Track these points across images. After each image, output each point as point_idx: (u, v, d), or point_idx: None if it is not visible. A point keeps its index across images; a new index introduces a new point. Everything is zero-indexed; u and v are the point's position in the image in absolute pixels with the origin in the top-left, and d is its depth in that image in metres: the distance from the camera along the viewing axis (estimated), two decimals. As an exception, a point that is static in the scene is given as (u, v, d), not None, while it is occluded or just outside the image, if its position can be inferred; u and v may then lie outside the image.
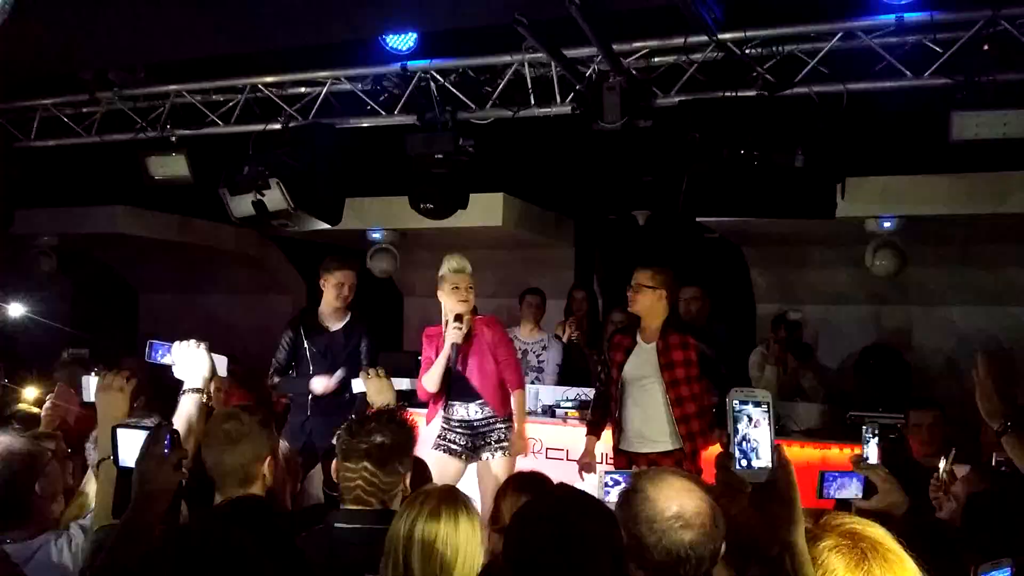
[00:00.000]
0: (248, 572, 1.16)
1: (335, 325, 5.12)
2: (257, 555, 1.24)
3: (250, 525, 2.06)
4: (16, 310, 5.29)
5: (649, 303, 4.60)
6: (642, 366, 4.61)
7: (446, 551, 2.11)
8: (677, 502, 1.79)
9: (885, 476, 2.62)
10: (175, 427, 1.94)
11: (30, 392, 4.42)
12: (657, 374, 4.54)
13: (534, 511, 1.62)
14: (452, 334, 4.50)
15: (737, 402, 1.35)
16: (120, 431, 1.96)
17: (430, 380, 4.63)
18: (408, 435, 2.64)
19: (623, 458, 4.65)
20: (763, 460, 1.32)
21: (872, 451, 2.85)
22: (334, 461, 2.62)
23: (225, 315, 9.09)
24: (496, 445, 4.62)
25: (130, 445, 1.92)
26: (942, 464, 3.23)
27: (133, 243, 8.62)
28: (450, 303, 4.55)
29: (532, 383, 6.51)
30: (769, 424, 1.34)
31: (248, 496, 2.46)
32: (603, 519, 1.63)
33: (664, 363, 4.53)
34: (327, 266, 5.09)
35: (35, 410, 4.03)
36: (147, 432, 1.87)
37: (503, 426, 4.66)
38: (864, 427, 3.02)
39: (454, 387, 4.66)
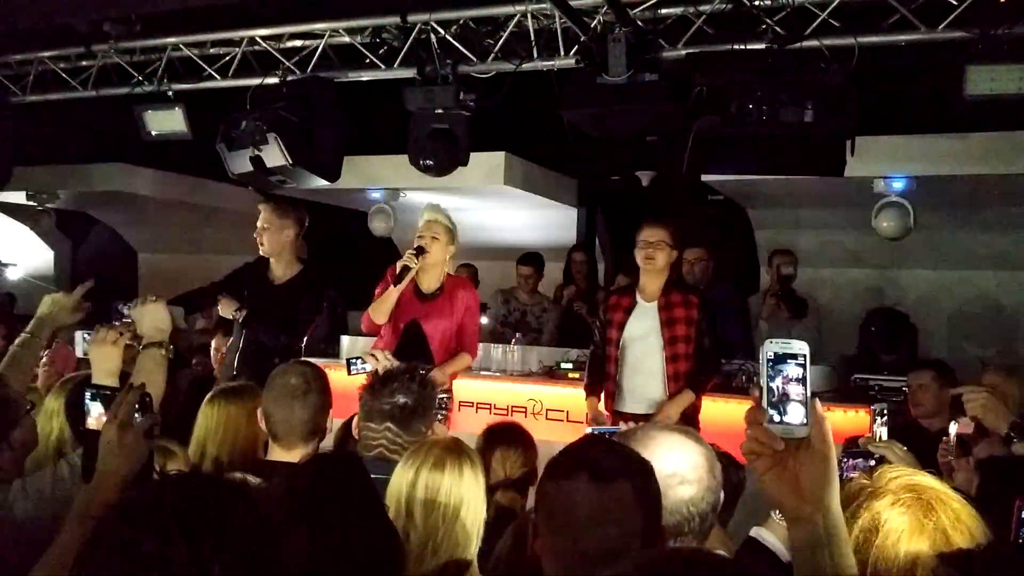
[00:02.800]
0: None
1: (280, 277, 4.71)
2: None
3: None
4: (15, 271, 5.21)
5: (666, 261, 4.48)
6: (642, 324, 4.52)
7: (449, 503, 2.08)
8: (672, 460, 1.73)
9: (903, 454, 2.55)
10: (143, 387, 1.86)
11: None
12: (658, 332, 4.45)
13: (570, 463, 1.53)
14: (406, 258, 4.30)
15: (772, 354, 1.25)
16: (87, 392, 1.88)
17: (379, 310, 4.40)
18: (431, 395, 2.64)
19: (616, 419, 4.59)
20: (798, 416, 1.22)
21: (882, 433, 2.80)
22: (355, 419, 2.59)
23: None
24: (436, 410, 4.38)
25: (96, 408, 1.85)
26: (953, 428, 3.15)
27: (132, 202, 8.55)
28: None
29: (530, 344, 6.50)
30: (805, 377, 1.24)
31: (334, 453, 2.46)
32: (638, 469, 1.55)
33: (665, 319, 4.44)
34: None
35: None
36: (108, 398, 1.80)
37: (445, 395, 4.30)
38: (873, 408, 2.97)
39: (407, 348, 4.36)
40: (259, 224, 4.66)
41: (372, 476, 2.38)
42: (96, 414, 1.84)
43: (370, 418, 2.51)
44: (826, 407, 4.48)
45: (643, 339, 4.52)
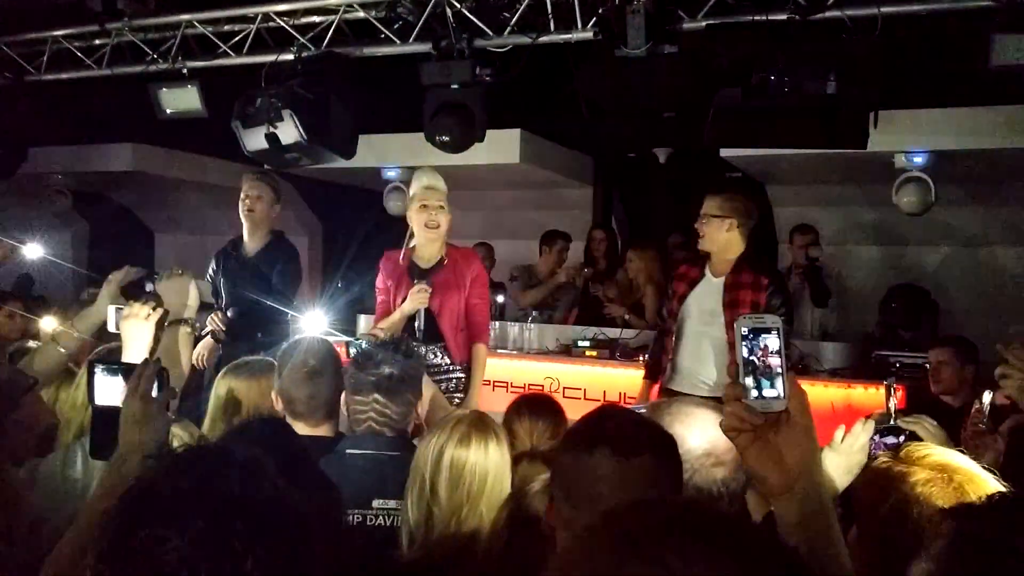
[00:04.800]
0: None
1: (253, 249, 4.70)
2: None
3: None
4: (34, 251, 5.20)
5: (717, 235, 4.17)
6: (706, 300, 4.22)
7: (474, 479, 2.06)
8: (707, 439, 1.69)
9: (934, 429, 2.49)
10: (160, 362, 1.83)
11: (48, 322, 4.18)
12: (720, 311, 4.14)
13: (591, 436, 1.50)
14: (417, 298, 3.93)
15: (745, 329, 1.25)
16: (98, 368, 1.83)
17: (385, 324, 4.03)
18: (418, 364, 2.60)
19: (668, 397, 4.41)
20: (776, 389, 1.22)
21: (893, 404, 2.76)
22: (343, 394, 2.58)
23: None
24: (450, 395, 4.00)
25: (107, 383, 1.81)
26: (987, 397, 3.09)
27: (148, 182, 8.56)
28: (418, 222, 4.04)
29: (547, 322, 6.49)
30: (780, 350, 1.24)
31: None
32: (660, 443, 1.52)
33: (728, 300, 4.10)
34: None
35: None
36: (128, 369, 1.76)
37: (458, 376, 4.10)
38: (885, 383, 2.92)
39: (425, 330, 4.05)
40: (253, 192, 4.67)
41: (363, 451, 2.39)
42: (109, 389, 1.81)
43: (357, 391, 2.47)
44: (846, 384, 4.44)
45: (701, 316, 4.25)
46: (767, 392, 1.23)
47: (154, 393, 1.69)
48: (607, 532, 0.74)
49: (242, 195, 4.71)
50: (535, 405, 3.13)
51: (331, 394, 2.62)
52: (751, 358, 1.24)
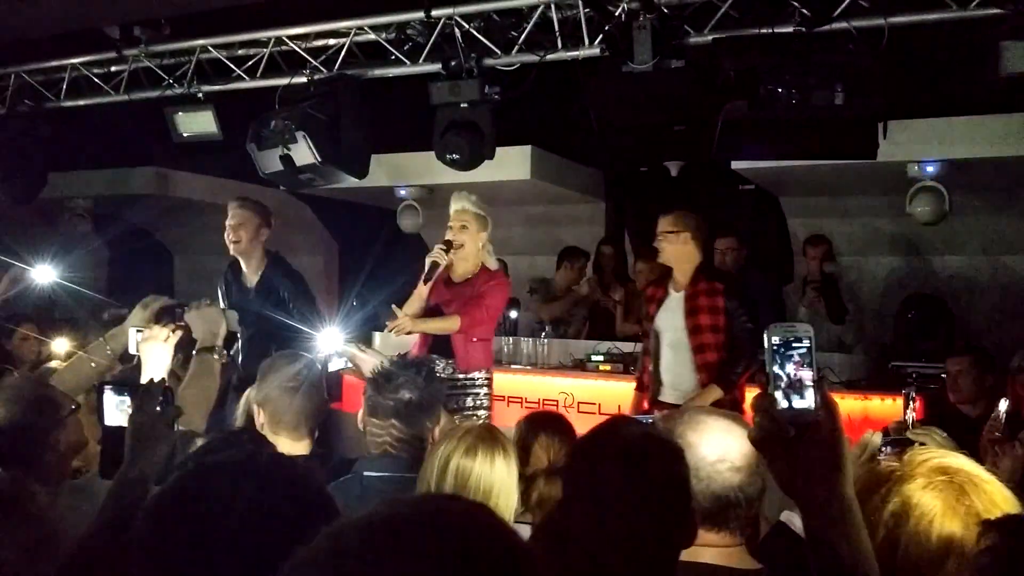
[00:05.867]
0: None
1: (251, 279, 4.61)
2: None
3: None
4: (45, 275, 5.23)
5: (674, 250, 4.43)
6: (672, 316, 4.46)
7: (478, 490, 2.07)
8: (721, 446, 1.70)
9: (943, 440, 2.49)
10: (168, 384, 1.86)
11: (60, 344, 4.19)
12: (683, 322, 4.38)
13: (600, 445, 1.52)
14: (435, 253, 4.23)
15: (777, 338, 1.22)
16: (106, 388, 1.88)
17: (409, 309, 4.31)
18: (437, 388, 2.59)
19: (653, 409, 4.53)
20: (806, 401, 1.19)
21: (911, 418, 2.75)
22: (360, 413, 2.58)
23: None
24: (471, 412, 4.24)
25: (116, 403, 1.85)
26: (1003, 405, 3.07)
27: (167, 204, 8.67)
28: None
29: (560, 337, 6.50)
30: (812, 361, 1.21)
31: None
32: (669, 453, 1.54)
33: (688, 309, 4.36)
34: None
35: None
36: (133, 391, 1.80)
37: (475, 391, 4.32)
38: (904, 393, 2.91)
39: (439, 339, 4.32)
40: (233, 222, 4.56)
41: (380, 473, 2.38)
42: (116, 409, 1.84)
43: (374, 414, 2.46)
44: (863, 395, 4.43)
45: (671, 330, 4.47)
46: (797, 403, 1.20)
47: (159, 410, 1.71)
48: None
49: (227, 223, 4.56)
50: (548, 422, 3.12)
51: (315, 409, 2.62)
52: (781, 368, 1.21)
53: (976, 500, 1.49)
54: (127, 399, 1.80)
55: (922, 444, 2.34)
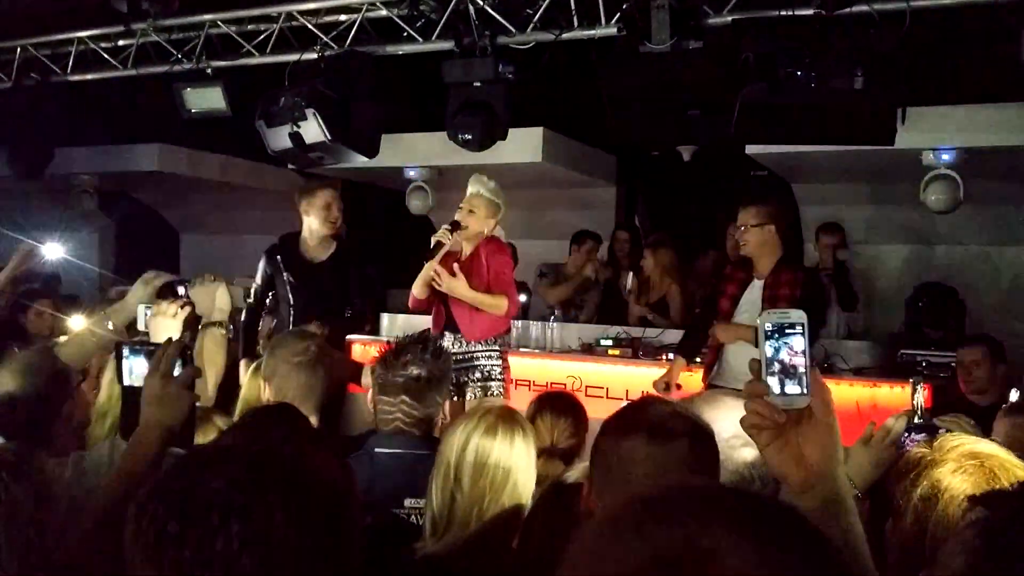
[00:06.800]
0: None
1: (321, 256, 4.64)
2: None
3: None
4: (53, 251, 5.23)
5: (760, 240, 4.44)
6: (753, 302, 4.46)
7: (497, 471, 2.04)
8: (735, 423, 1.69)
9: (971, 428, 2.46)
10: (187, 344, 1.84)
11: (76, 321, 4.25)
12: (759, 309, 4.30)
13: (628, 421, 1.51)
14: (440, 233, 4.22)
15: (769, 324, 1.22)
16: (125, 347, 1.86)
17: (417, 285, 4.34)
18: (446, 364, 2.57)
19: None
20: (799, 386, 1.20)
21: (919, 402, 2.72)
22: (369, 393, 2.56)
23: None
24: (479, 383, 4.28)
25: (135, 363, 1.84)
26: (1015, 394, 3.05)
27: (173, 182, 8.63)
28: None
29: (570, 321, 6.46)
30: (805, 347, 1.21)
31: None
32: (696, 430, 1.52)
33: (767, 296, 4.36)
34: (307, 188, 4.65)
35: None
36: (153, 349, 1.77)
37: (488, 362, 4.33)
38: (911, 381, 2.89)
39: (452, 318, 4.37)
40: (335, 207, 4.58)
41: (392, 450, 2.38)
42: (134, 370, 1.83)
43: (384, 391, 2.45)
44: (872, 383, 4.40)
45: (749, 315, 4.45)
46: (790, 389, 1.20)
47: (176, 371, 1.68)
48: (633, 504, 0.72)
49: (324, 202, 4.54)
50: (557, 403, 3.11)
51: (323, 386, 2.62)
52: (774, 354, 1.22)
53: (1007, 485, 1.48)
54: (146, 360, 1.77)
55: (948, 431, 2.31)
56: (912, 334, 5.88)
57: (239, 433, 1.98)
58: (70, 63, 6.06)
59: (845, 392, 4.95)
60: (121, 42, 5.88)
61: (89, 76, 6.08)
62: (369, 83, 5.26)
